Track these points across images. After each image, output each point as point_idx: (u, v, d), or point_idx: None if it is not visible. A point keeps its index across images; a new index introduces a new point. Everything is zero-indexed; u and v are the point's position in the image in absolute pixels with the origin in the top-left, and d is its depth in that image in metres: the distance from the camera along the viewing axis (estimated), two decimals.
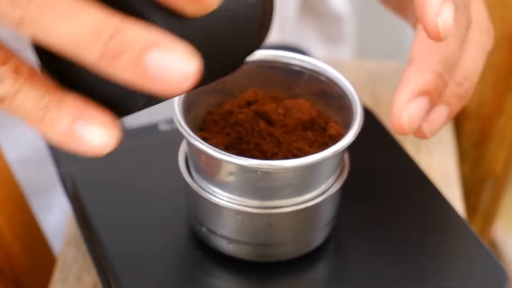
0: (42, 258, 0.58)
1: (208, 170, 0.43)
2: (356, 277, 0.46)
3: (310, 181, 0.43)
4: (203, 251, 0.46)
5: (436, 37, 0.41)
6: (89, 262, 0.50)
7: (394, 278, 0.46)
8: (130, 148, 0.53)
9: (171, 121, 0.56)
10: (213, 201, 0.44)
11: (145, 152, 0.53)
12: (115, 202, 0.49)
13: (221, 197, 0.44)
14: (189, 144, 0.44)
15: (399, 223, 0.49)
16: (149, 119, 0.57)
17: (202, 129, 0.46)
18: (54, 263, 0.54)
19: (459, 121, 0.63)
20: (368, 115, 0.53)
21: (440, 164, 0.58)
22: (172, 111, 0.44)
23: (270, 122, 0.45)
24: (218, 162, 0.42)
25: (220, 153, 0.42)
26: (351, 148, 0.45)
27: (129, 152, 0.53)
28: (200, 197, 0.44)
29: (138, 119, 0.57)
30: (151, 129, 0.56)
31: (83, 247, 0.51)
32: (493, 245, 0.74)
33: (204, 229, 0.46)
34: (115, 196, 0.50)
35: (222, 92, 0.47)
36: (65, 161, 0.53)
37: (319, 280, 0.46)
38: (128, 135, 0.55)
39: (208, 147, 0.42)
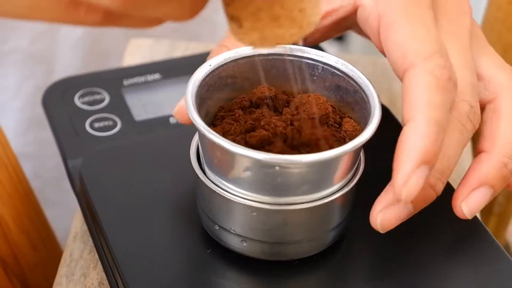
0: (49, 254, 0.57)
1: (223, 165, 0.42)
2: (368, 276, 0.45)
3: (327, 177, 0.42)
4: (215, 249, 0.45)
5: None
6: (96, 258, 0.49)
7: (407, 277, 0.45)
8: (139, 141, 0.52)
9: None
10: (227, 197, 0.43)
11: (155, 145, 0.52)
12: (123, 197, 0.48)
13: (235, 193, 0.42)
14: (204, 138, 0.42)
15: (412, 223, 0.48)
16: (160, 112, 0.56)
17: (214, 124, 0.45)
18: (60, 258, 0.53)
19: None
20: (384, 111, 0.52)
21: (456, 165, 0.56)
22: (184, 105, 0.43)
23: (282, 117, 0.43)
24: (235, 156, 0.41)
25: (239, 147, 0.40)
26: (366, 146, 0.44)
27: (138, 146, 0.52)
28: (213, 193, 0.43)
29: (148, 112, 0.56)
30: (161, 122, 0.55)
31: (89, 242, 0.50)
32: (508, 246, 0.74)
33: (216, 227, 0.45)
34: (123, 191, 0.48)
35: (233, 87, 0.46)
36: (72, 155, 0.52)
37: (332, 278, 0.45)
38: (138, 127, 0.54)
39: (226, 142, 0.40)
